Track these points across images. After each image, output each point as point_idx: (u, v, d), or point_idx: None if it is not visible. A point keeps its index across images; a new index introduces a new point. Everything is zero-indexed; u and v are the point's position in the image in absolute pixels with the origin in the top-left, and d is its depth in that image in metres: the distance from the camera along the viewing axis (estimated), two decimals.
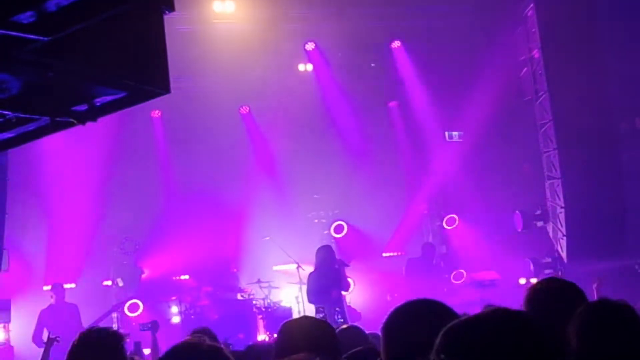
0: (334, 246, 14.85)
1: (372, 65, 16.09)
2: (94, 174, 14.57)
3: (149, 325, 9.99)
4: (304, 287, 13.34)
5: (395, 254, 17.06)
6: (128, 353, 8.89)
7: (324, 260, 13.11)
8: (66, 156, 14.11)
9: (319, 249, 13.40)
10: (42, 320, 12.78)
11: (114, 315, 14.27)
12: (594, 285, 8.94)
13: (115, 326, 14.52)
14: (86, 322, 12.67)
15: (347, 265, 13.75)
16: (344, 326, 6.92)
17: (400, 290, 15.06)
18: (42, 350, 11.34)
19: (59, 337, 9.19)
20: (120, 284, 15.02)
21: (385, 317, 3.10)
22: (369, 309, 14.76)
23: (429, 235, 17.18)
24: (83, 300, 13.72)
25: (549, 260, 14.12)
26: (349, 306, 13.88)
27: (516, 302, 4.14)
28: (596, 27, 13.55)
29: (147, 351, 10.17)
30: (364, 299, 15.59)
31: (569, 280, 4.25)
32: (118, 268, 15.24)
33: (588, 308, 3.74)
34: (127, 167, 15.13)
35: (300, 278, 14.11)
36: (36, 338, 12.60)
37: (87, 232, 14.73)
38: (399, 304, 3.15)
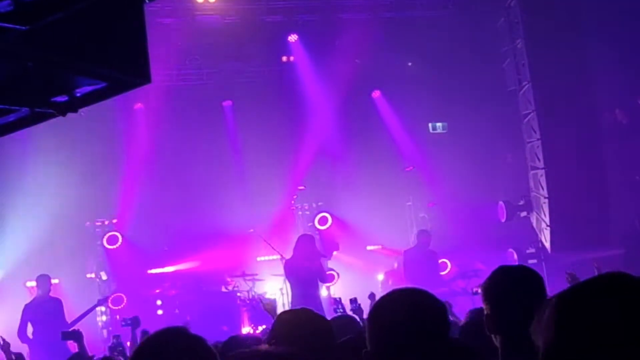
0: (317, 238, 14.81)
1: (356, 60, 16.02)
2: (74, 165, 14.46)
3: (130, 321, 9.98)
4: None
5: (380, 247, 17.06)
6: (109, 345, 8.94)
7: (303, 250, 13.00)
8: (45, 147, 14.01)
9: (300, 237, 13.28)
10: (26, 315, 12.67)
11: (100, 310, 14.24)
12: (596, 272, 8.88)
13: (100, 321, 14.54)
14: (70, 317, 12.62)
15: (326, 257, 13.73)
16: (337, 315, 6.91)
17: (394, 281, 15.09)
18: (24, 345, 11.36)
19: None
20: (104, 277, 14.97)
21: (370, 307, 3.10)
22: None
23: (413, 227, 17.19)
24: (67, 295, 13.64)
25: (533, 250, 14.19)
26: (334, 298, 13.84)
27: None
28: (579, 17, 13.60)
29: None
30: (348, 292, 15.56)
31: (552, 270, 4.12)
32: (101, 262, 15.21)
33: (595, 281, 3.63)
34: (110, 159, 15.04)
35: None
36: (21, 333, 12.50)
37: (69, 226, 14.66)
38: (384, 294, 3.14)
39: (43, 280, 12.91)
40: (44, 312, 12.58)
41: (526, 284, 3.68)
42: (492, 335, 3.64)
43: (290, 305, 13.38)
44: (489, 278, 3.76)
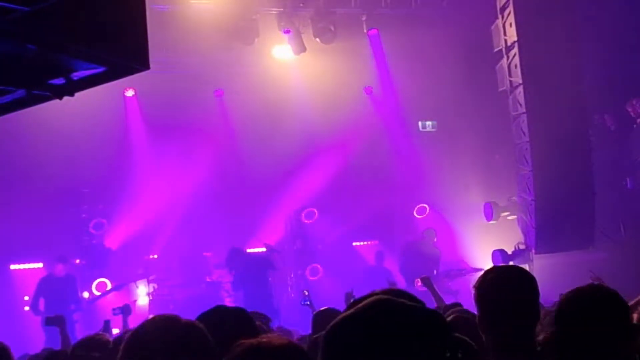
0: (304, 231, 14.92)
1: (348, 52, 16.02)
2: (62, 150, 14.40)
3: (120, 309, 9.94)
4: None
5: (366, 243, 17.11)
6: (98, 331, 8.88)
7: (241, 261, 13.26)
8: (30, 132, 13.95)
9: (231, 252, 13.58)
10: (40, 288, 12.88)
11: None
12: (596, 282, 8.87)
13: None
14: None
15: (278, 251, 13.97)
16: (323, 308, 6.89)
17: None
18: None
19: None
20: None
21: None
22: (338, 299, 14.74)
23: (400, 225, 17.22)
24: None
25: (518, 251, 14.21)
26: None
27: None
28: (573, 21, 13.63)
29: (116, 331, 10.15)
30: (333, 287, 15.57)
31: (533, 272, 4.05)
32: (86, 247, 15.15)
33: (577, 292, 3.65)
34: (98, 144, 14.96)
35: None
36: (33, 306, 12.77)
37: (55, 211, 14.61)
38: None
39: (62, 262, 13.23)
40: (56, 286, 12.98)
41: (518, 285, 3.68)
42: (483, 335, 3.62)
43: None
44: (480, 278, 3.75)
